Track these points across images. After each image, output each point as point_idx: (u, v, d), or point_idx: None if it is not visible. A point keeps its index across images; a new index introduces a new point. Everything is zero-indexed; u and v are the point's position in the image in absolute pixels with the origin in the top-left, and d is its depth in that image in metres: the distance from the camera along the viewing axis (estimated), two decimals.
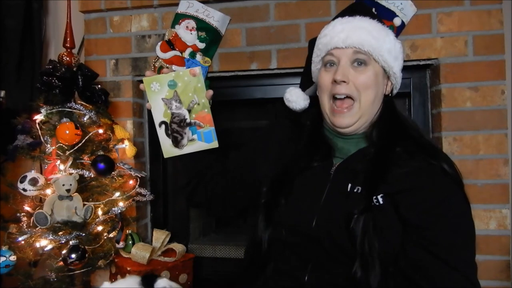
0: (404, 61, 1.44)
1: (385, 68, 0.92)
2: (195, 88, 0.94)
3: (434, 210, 0.81)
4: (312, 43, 1.04)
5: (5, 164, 1.49)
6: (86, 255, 1.34)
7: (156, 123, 0.96)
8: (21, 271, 1.36)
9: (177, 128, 0.95)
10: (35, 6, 1.70)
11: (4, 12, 1.62)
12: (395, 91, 0.99)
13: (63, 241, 1.32)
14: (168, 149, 0.97)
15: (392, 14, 1.43)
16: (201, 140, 0.97)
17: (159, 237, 1.54)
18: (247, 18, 1.57)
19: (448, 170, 0.84)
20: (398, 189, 0.83)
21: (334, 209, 0.87)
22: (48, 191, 1.38)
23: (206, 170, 1.05)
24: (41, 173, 1.46)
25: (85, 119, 1.44)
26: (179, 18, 1.58)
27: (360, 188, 0.87)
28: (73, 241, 1.32)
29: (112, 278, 1.51)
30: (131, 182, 1.50)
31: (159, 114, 0.95)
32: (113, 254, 1.47)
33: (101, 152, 1.46)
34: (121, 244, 1.46)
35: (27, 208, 1.39)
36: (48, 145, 1.40)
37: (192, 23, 1.57)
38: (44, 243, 1.34)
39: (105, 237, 1.44)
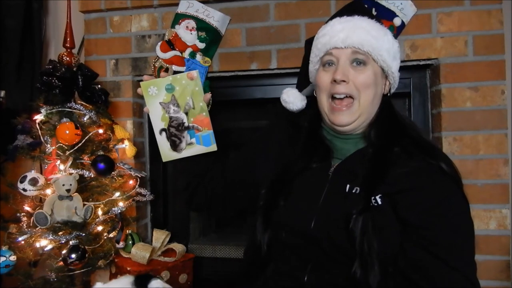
0: (404, 61, 1.46)
1: (383, 67, 0.92)
2: (193, 92, 0.93)
3: (433, 210, 0.81)
4: (308, 43, 1.04)
5: (5, 164, 1.49)
6: (86, 255, 1.34)
7: (155, 129, 0.96)
8: (21, 271, 1.36)
9: (175, 132, 0.95)
10: (35, 6, 1.70)
11: (4, 12, 1.62)
12: (392, 91, 0.99)
13: (63, 241, 1.32)
14: (167, 153, 0.97)
15: (392, 14, 1.43)
16: (199, 143, 0.96)
17: (159, 237, 1.54)
18: (247, 18, 1.57)
19: (447, 170, 0.84)
20: (397, 190, 0.83)
21: (332, 210, 0.87)
22: (48, 191, 1.38)
23: (205, 172, 1.05)
24: (41, 173, 1.46)
25: (85, 119, 1.44)
26: (179, 18, 1.58)
27: (358, 188, 0.87)
28: (73, 241, 1.32)
29: (112, 278, 1.51)
30: (131, 182, 1.50)
31: (157, 118, 0.95)
32: (113, 254, 1.47)
33: (101, 152, 1.46)
34: (121, 244, 1.46)
35: (27, 208, 1.39)
36: (48, 145, 1.40)
37: (192, 23, 1.57)
38: (44, 243, 1.34)
39: (105, 237, 1.44)
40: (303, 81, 1.13)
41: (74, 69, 1.44)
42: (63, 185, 1.32)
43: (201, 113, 0.95)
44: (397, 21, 1.43)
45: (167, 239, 1.55)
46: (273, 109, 1.62)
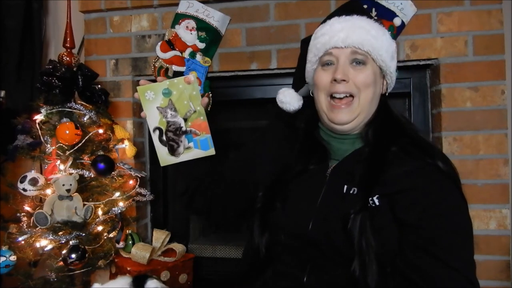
0: (404, 61, 1.46)
1: (382, 67, 0.92)
2: (190, 96, 0.92)
3: (431, 210, 0.81)
4: (304, 42, 1.03)
5: (5, 164, 1.49)
6: (86, 255, 1.34)
7: (153, 134, 0.95)
8: (21, 271, 1.36)
9: (173, 136, 0.94)
10: (35, 6, 1.70)
11: (4, 12, 1.63)
12: (389, 91, 0.99)
13: (63, 241, 1.32)
14: (165, 157, 0.96)
15: (392, 14, 1.43)
16: (197, 147, 0.96)
17: (159, 237, 1.54)
18: (247, 18, 1.57)
19: (444, 168, 0.84)
20: (394, 190, 0.83)
21: (330, 211, 0.86)
22: (48, 191, 1.38)
23: (203, 176, 1.04)
24: (41, 173, 1.46)
25: (85, 119, 1.44)
26: (179, 18, 1.58)
27: (356, 189, 0.86)
28: (73, 241, 1.32)
29: (112, 278, 1.51)
30: (131, 182, 1.50)
31: (154, 122, 0.94)
32: (113, 254, 1.47)
33: (101, 152, 1.46)
34: (121, 244, 1.46)
35: (27, 208, 1.39)
36: (48, 145, 1.40)
37: (192, 23, 1.57)
38: (44, 243, 1.34)
39: (105, 237, 1.44)
40: (299, 81, 1.12)
41: (74, 69, 1.44)
42: (63, 185, 1.32)
43: (198, 117, 0.94)
44: (397, 21, 1.43)
45: (167, 239, 1.55)
46: (273, 109, 1.62)
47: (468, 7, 1.42)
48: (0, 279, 1.42)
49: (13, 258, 1.33)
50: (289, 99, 1.10)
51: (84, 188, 1.44)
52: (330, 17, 0.97)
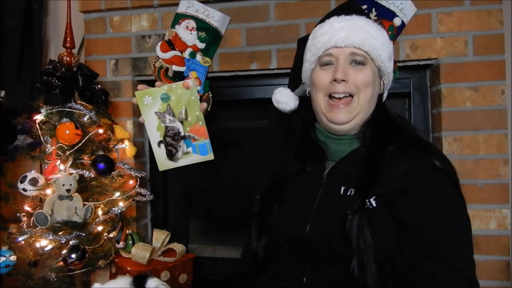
0: (404, 61, 1.46)
1: (380, 67, 0.92)
2: (188, 101, 0.92)
3: (428, 210, 0.81)
4: (301, 42, 1.02)
5: (5, 164, 1.49)
6: (86, 255, 1.34)
7: (151, 139, 0.95)
8: (21, 271, 1.36)
9: (171, 141, 0.94)
10: (35, 6, 1.70)
11: (4, 12, 1.63)
12: (386, 91, 0.99)
13: (63, 241, 1.32)
14: (163, 162, 0.96)
15: (392, 14, 1.43)
16: (196, 153, 0.95)
17: (159, 237, 1.54)
18: (247, 18, 1.57)
19: (441, 167, 0.84)
20: (391, 191, 0.83)
21: (327, 213, 0.86)
22: (48, 191, 1.38)
23: (202, 180, 1.04)
24: (41, 173, 1.46)
25: (85, 119, 1.44)
26: (179, 18, 1.58)
27: (353, 190, 0.86)
28: (73, 241, 1.32)
29: (112, 278, 1.51)
30: (131, 182, 1.50)
31: (153, 127, 0.94)
32: (113, 254, 1.47)
33: (101, 152, 1.46)
34: (121, 244, 1.46)
35: (27, 208, 1.39)
36: (48, 145, 1.40)
37: (192, 23, 1.57)
38: (44, 243, 1.34)
39: (105, 237, 1.44)
40: (295, 81, 1.10)
41: (74, 69, 1.44)
42: (63, 185, 1.32)
43: (197, 122, 0.94)
44: (397, 21, 1.43)
45: (167, 239, 1.55)
46: (273, 109, 1.62)
47: (468, 7, 1.42)
48: (0, 279, 1.42)
49: (13, 258, 1.33)
50: (286, 98, 1.09)
51: (84, 188, 1.44)
52: (328, 16, 0.96)
